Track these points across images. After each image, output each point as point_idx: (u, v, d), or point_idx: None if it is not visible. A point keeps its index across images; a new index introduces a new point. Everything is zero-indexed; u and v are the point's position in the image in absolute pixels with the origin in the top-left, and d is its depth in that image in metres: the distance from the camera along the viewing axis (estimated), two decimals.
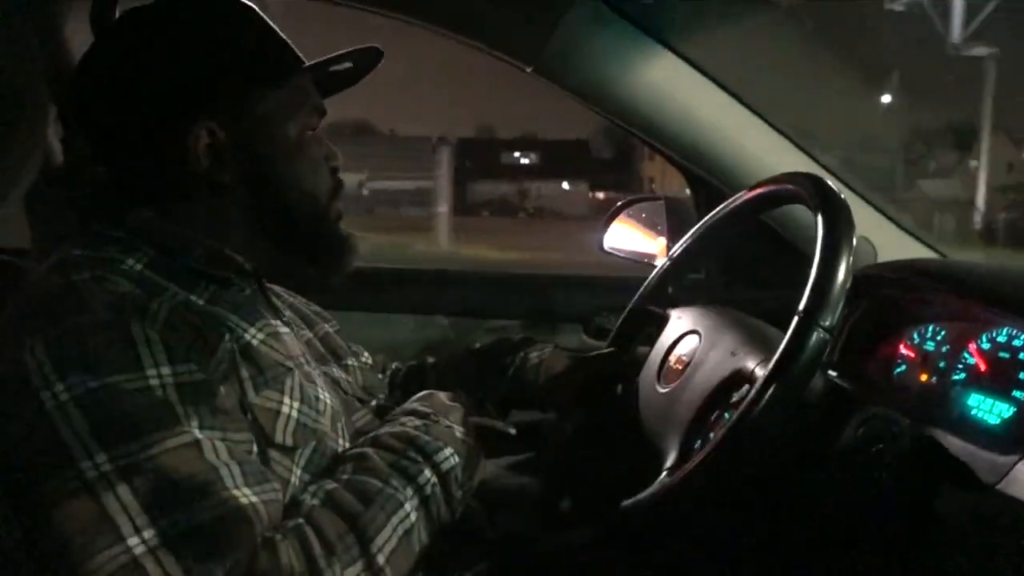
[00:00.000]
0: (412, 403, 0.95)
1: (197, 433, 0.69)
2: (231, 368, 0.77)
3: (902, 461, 0.86)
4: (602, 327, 1.64)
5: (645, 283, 1.28)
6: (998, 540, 0.82)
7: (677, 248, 1.25)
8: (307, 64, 0.92)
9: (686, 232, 1.24)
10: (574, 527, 1.34)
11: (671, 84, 1.36)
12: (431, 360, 1.28)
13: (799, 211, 1.03)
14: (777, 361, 0.80)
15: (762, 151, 1.40)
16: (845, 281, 0.82)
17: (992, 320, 1.03)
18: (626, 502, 0.92)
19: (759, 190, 1.08)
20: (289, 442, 0.80)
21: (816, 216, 0.89)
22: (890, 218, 1.45)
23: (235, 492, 0.68)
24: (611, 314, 1.64)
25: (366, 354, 1.16)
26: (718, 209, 1.16)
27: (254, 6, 0.90)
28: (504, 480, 1.51)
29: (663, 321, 1.20)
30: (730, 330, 1.05)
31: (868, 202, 1.43)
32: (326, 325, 1.08)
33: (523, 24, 1.32)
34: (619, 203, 1.71)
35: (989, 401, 1.00)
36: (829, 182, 0.93)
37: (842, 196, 0.90)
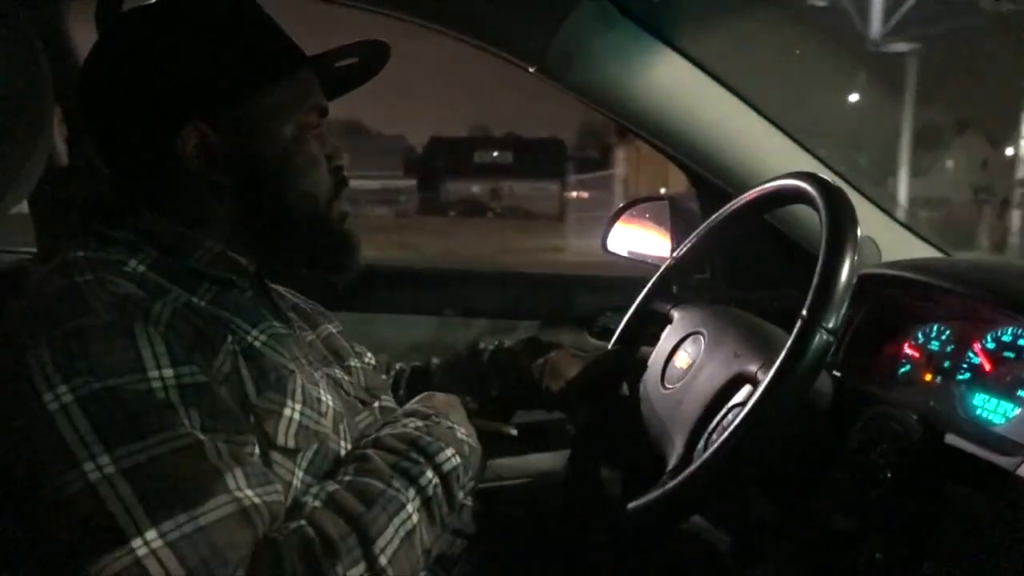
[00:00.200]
0: (414, 404, 0.95)
1: (199, 434, 0.69)
2: (233, 370, 0.77)
3: (908, 460, 0.86)
4: (606, 327, 1.64)
5: (649, 283, 1.28)
6: (1003, 540, 0.82)
7: (681, 248, 1.25)
8: (308, 59, 0.90)
9: (690, 232, 1.24)
10: (580, 527, 1.34)
11: (676, 84, 1.35)
12: (435, 360, 1.28)
13: (804, 211, 1.02)
14: (780, 364, 0.80)
15: (766, 151, 1.40)
16: (849, 283, 0.81)
17: (997, 320, 1.03)
18: (631, 504, 0.92)
19: (763, 190, 1.08)
20: (291, 444, 0.80)
21: (821, 216, 0.89)
22: (895, 218, 1.44)
23: (237, 493, 0.68)
24: (615, 314, 1.64)
25: (369, 355, 1.16)
26: (723, 209, 1.16)
27: (254, 2, 0.88)
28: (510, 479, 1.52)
29: (667, 321, 1.20)
30: (734, 331, 1.04)
31: (872, 201, 1.43)
32: (329, 326, 1.08)
33: (527, 24, 1.32)
34: (623, 203, 1.71)
35: (994, 401, 1.00)
36: (834, 182, 0.93)
37: (847, 196, 0.89)
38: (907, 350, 1.17)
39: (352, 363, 1.05)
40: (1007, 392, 0.99)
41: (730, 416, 0.90)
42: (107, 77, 0.83)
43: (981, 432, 0.97)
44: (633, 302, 1.29)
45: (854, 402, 0.91)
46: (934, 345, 1.13)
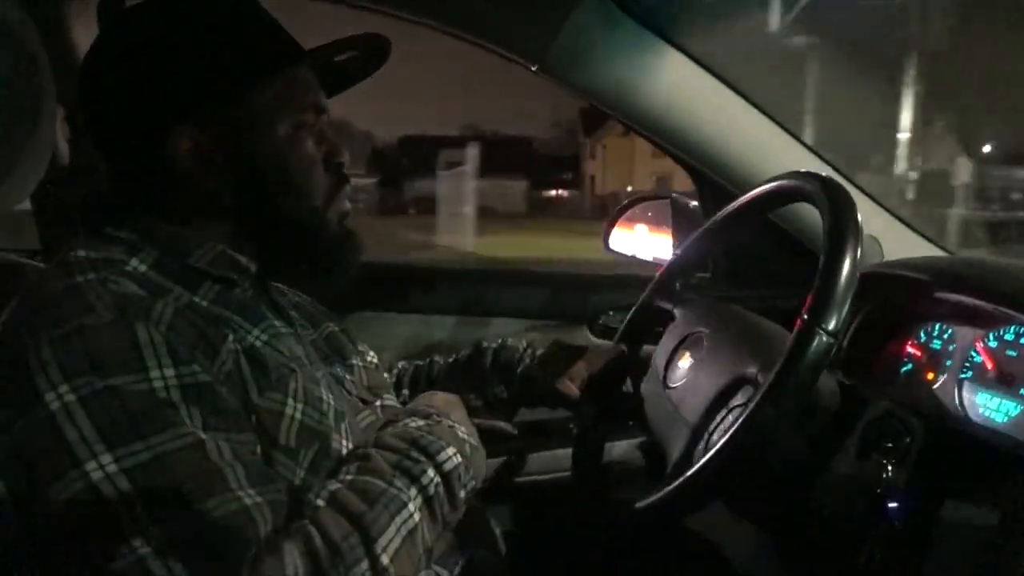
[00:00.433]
0: (415, 403, 0.95)
1: (201, 434, 0.69)
2: (235, 369, 0.77)
3: (910, 459, 0.86)
4: (608, 326, 1.64)
5: (651, 282, 1.28)
6: (1005, 539, 0.82)
7: (683, 246, 1.25)
8: (304, 54, 0.89)
9: (692, 231, 1.24)
10: (582, 526, 1.34)
11: (678, 82, 1.35)
12: (438, 359, 1.28)
13: (806, 209, 1.02)
14: (781, 367, 0.80)
15: (769, 149, 1.40)
16: (850, 285, 0.81)
17: (999, 318, 1.03)
18: (634, 503, 0.92)
19: (766, 188, 1.08)
20: (292, 443, 0.80)
21: (823, 215, 0.88)
22: (897, 216, 1.44)
23: (239, 492, 0.69)
24: (617, 313, 1.64)
25: (371, 353, 1.16)
26: (726, 208, 1.16)
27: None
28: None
29: (669, 320, 1.20)
30: (736, 330, 1.04)
31: (875, 200, 1.43)
32: (331, 324, 1.08)
33: (528, 23, 1.32)
34: (625, 202, 1.71)
35: (996, 399, 1.00)
36: (836, 181, 0.93)
37: (849, 195, 0.89)
38: (909, 349, 1.17)
39: (354, 361, 1.05)
40: (1010, 391, 0.99)
41: (731, 417, 0.90)
42: (103, 76, 0.83)
43: (984, 431, 0.97)
44: (635, 301, 1.29)
45: (856, 401, 0.91)
46: (936, 344, 1.13)
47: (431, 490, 0.81)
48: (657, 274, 1.28)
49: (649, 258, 1.64)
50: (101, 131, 0.85)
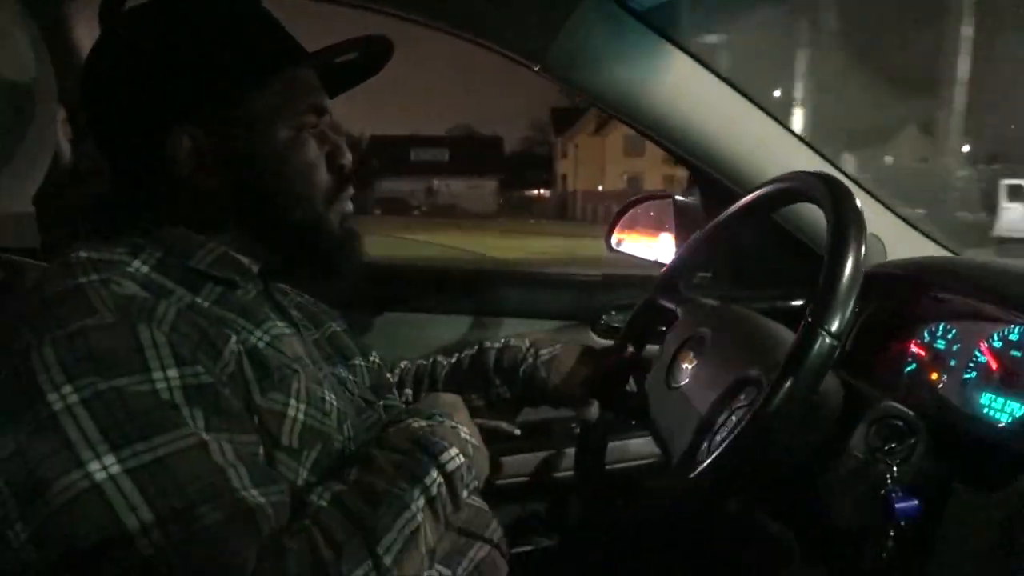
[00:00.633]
0: (417, 404, 0.95)
1: (204, 435, 0.69)
2: (237, 370, 0.77)
3: (914, 460, 0.86)
4: (610, 325, 1.64)
5: (655, 282, 1.27)
6: (1009, 540, 0.82)
7: (686, 247, 1.25)
8: (306, 56, 0.89)
9: (694, 230, 1.24)
10: (585, 526, 1.34)
11: (680, 81, 1.35)
12: (440, 359, 1.28)
13: (810, 209, 1.02)
14: (784, 369, 0.79)
15: (771, 149, 1.40)
16: (853, 286, 0.80)
17: (1003, 318, 1.03)
18: (637, 504, 0.92)
19: (769, 188, 1.07)
20: (295, 444, 0.80)
21: (826, 215, 0.88)
22: (900, 216, 1.44)
23: (242, 493, 0.68)
24: (619, 312, 1.64)
25: (374, 353, 1.16)
26: (729, 208, 1.16)
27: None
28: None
29: (672, 320, 1.20)
30: (739, 331, 1.04)
31: (878, 200, 1.42)
32: (334, 324, 1.08)
33: (530, 22, 1.32)
34: (627, 201, 1.70)
35: (1001, 400, 1.00)
36: (840, 180, 0.92)
37: (853, 194, 0.89)
38: (913, 349, 1.17)
39: (357, 362, 1.05)
40: (1014, 391, 0.99)
41: (735, 418, 0.90)
42: (105, 76, 0.83)
43: (988, 431, 0.97)
44: (638, 300, 1.28)
45: (859, 401, 0.90)
46: (940, 344, 1.13)
47: (434, 491, 0.81)
48: (660, 273, 1.28)
49: (651, 258, 1.64)
50: (103, 131, 0.85)
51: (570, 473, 1.49)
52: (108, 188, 0.87)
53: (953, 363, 1.09)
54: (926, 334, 1.15)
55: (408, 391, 1.24)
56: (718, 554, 1.30)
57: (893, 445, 0.86)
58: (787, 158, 1.38)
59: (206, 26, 0.83)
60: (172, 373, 0.70)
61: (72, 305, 0.72)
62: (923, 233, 1.44)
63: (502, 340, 1.26)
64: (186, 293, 0.80)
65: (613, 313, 1.64)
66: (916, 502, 0.83)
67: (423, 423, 0.89)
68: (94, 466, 0.64)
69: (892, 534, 0.84)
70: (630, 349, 1.23)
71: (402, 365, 1.28)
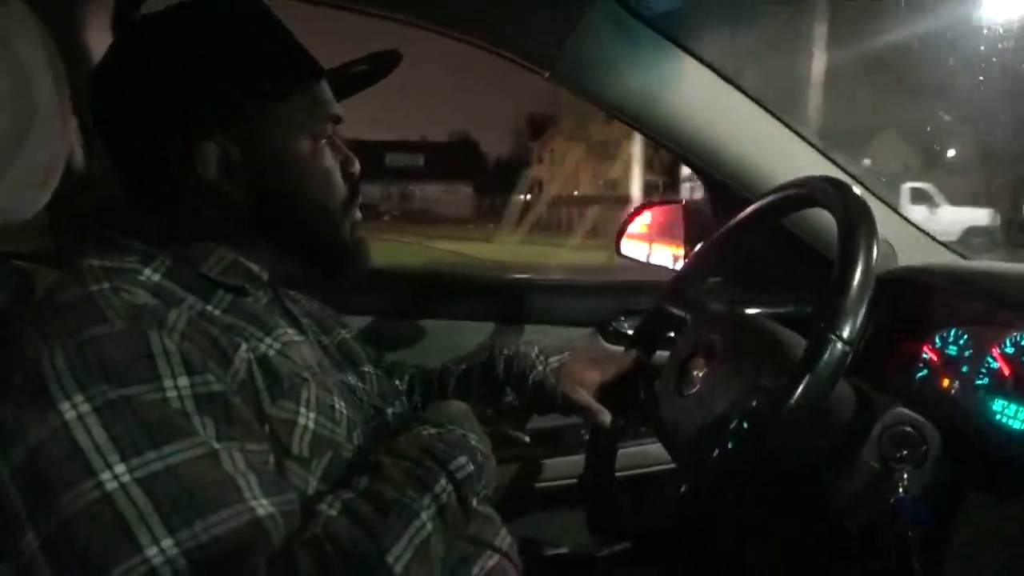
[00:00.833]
0: (427, 412, 0.95)
1: (214, 443, 0.69)
2: (248, 378, 0.77)
3: (926, 466, 0.86)
4: (620, 332, 1.64)
5: (664, 288, 1.27)
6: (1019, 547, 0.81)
7: (695, 252, 1.24)
8: (325, 72, 0.90)
9: (703, 236, 1.24)
10: (595, 532, 1.34)
11: (690, 88, 1.35)
12: (449, 366, 1.28)
13: (820, 215, 1.01)
14: (795, 375, 0.79)
15: (782, 154, 1.39)
16: (865, 292, 0.80)
17: (1015, 324, 1.02)
18: (646, 510, 0.92)
19: (780, 194, 1.07)
20: (305, 452, 0.80)
21: (837, 220, 0.88)
22: (911, 221, 1.43)
23: (252, 502, 0.68)
24: (628, 318, 1.63)
25: (383, 360, 1.16)
26: (740, 213, 1.16)
27: (272, 12, 0.88)
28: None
29: (682, 326, 1.20)
30: (750, 337, 1.04)
31: (890, 205, 1.42)
32: (343, 331, 1.08)
33: (540, 29, 1.32)
34: (636, 207, 1.70)
35: (1013, 406, 0.99)
36: (851, 185, 0.92)
37: (864, 200, 0.89)
38: (924, 355, 1.16)
39: (366, 369, 1.05)
40: None
41: (745, 424, 0.90)
42: (123, 86, 0.83)
43: (1000, 438, 0.96)
44: (647, 306, 1.28)
45: (871, 408, 0.90)
46: (952, 350, 1.12)
47: (444, 499, 0.81)
48: (669, 279, 1.28)
49: (661, 264, 1.64)
50: (117, 139, 0.85)
51: (580, 479, 1.49)
52: (119, 196, 0.88)
53: (965, 369, 1.08)
54: (937, 340, 1.15)
55: (417, 398, 1.24)
56: (726, 559, 1.29)
57: (904, 452, 0.86)
58: (798, 163, 1.38)
59: (237, 40, 0.84)
60: (183, 382, 0.70)
61: (83, 313, 0.72)
62: (934, 238, 1.44)
63: (511, 347, 1.26)
64: (197, 301, 0.81)
65: (622, 319, 1.64)
66: (928, 509, 0.83)
67: (432, 431, 0.88)
68: (105, 475, 0.64)
69: (904, 542, 0.84)
70: (638, 356, 1.23)
71: (411, 372, 1.28)
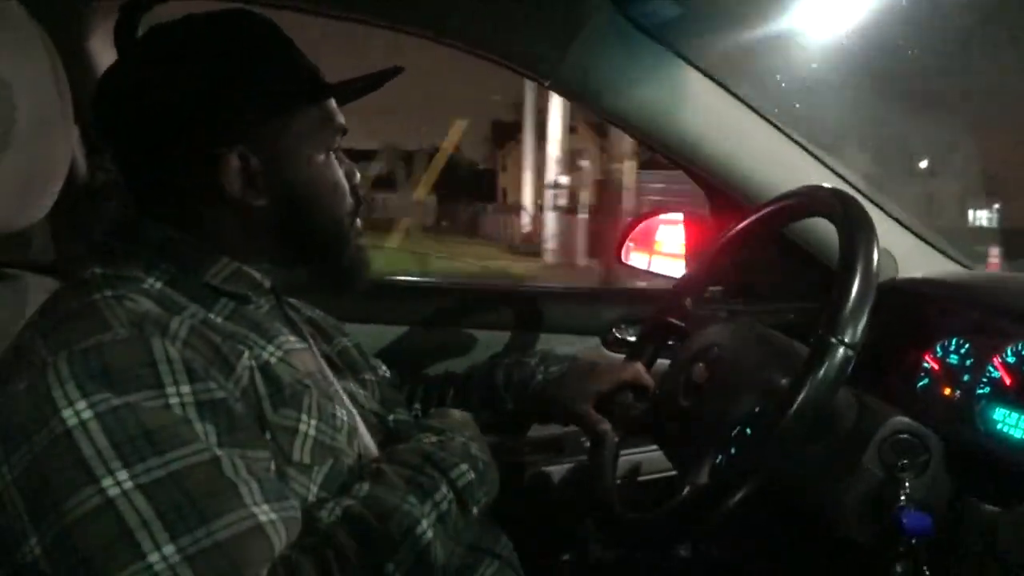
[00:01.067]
0: (427, 420, 0.95)
1: (217, 450, 0.70)
2: (250, 386, 0.78)
3: (927, 476, 0.85)
4: (621, 340, 1.64)
5: (666, 295, 1.27)
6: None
7: (696, 262, 1.25)
8: (334, 85, 0.91)
9: (705, 245, 1.24)
10: (597, 540, 1.34)
11: (691, 97, 1.35)
12: (450, 374, 1.28)
13: (821, 224, 1.02)
14: (800, 378, 0.79)
15: (782, 164, 1.40)
16: (867, 296, 0.80)
17: (1017, 333, 1.02)
18: (649, 517, 0.92)
19: (780, 203, 1.07)
20: (306, 460, 0.80)
21: (838, 229, 0.88)
22: (912, 230, 1.44)
23: (254, 509, 0.69)
24: (630, 326, 1.63)
25: (384, 368, 1.16)
26: (739, 222, 1.16)
27: (280, 28, 0.88)
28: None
29: (684, 333, 1.20)
30: (752, 343, 1.04)
31: (889, 214, 1.42)
32: (344, 339, 1.08)
33: (540, 39, 1.33)
34: (638, 215, 1.70)
35: (1015, 415, 0.99)
36: (851, 195, 0.92)
37: (864, 209, 0.89)
38: (925, 364, 1.16)
39: (367, 376, 1.05)
40: None
41: (748, 430, 0.90)
42: (137, 95, 0.83)
43: (1002, 447, 0.96)
44: (648, 315, 1.28)
45: (872, 417, 0.90)
46: (953, 359, 1.12)
47: (444, 506, 0.81)
48: (670, 287, 1.28)
49: (661, 272, 1.64)
50: (128, 149, 0.85)
51: (581, 487, 1.49)
52: (124, 204, 0.88)
53: (966, 378, 1.08)
54: (939, 349, 1.15)
55: (418, 406, 1.24)
56: (728, 566, 1.29)
57: (906, 461, 0.86)
58: (798, 172, 1.38)
59: (254, 51, 0.85)
60: (185, 389, 0.70)
61: (86, 321, 0.72)
62: (935, 248, 1.44)
63: (512, 356, 1.26)
64: (199, 309, 0.81)
65: (624, 327, 1.64)
66: (929, 518, 0.83)
67: (433, 439, 0.89)
68: (107, 482, 0.64)
69: (905, 551, 0.84)
70: (639, 365, 1.23)
71: (411, 380, 1.28)
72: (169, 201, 0.85)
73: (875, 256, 0.83)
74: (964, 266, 1.44)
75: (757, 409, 0.91)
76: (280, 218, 0.87)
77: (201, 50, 0.83)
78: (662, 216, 1.68)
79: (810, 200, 1.01)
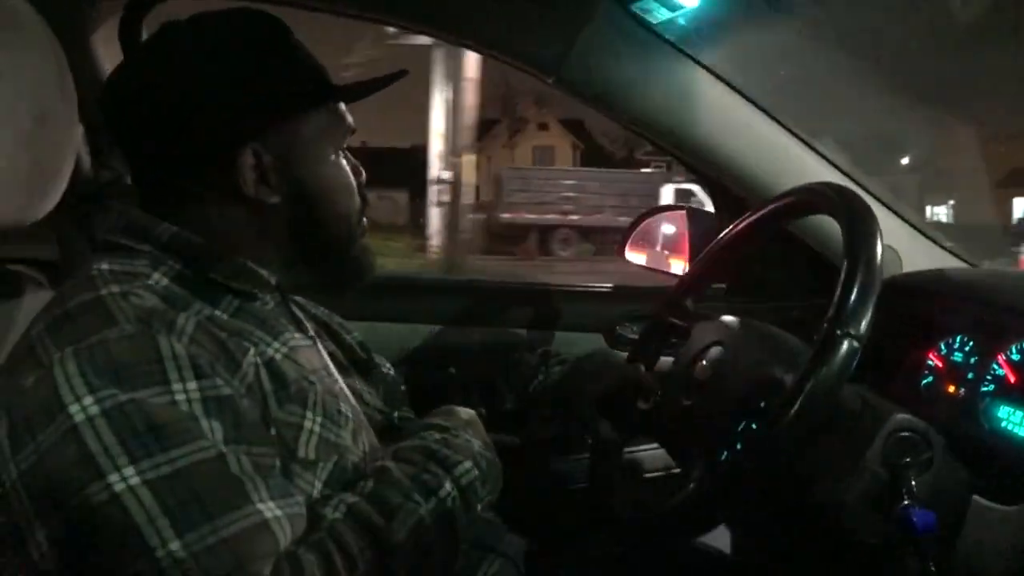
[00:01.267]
0: (431, 417, 0.96)
1: (222, 447, 0.70)
2: (255, 382, 0.78)
3: (931, 474, 0.85)
4: (624, 338, 1.63)
5: (667, 293, 1.27)
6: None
7: (699, 260, 1.24)
8: (347, 86, 0.91)
9: (708, 242, 1.24)
10: (600, 536, 1.34)
11: (694, 94, 1.35)
12: (453, 372, 1.29)
13: (825, 220, 1.02)
14: (807, 370, 0.79)
15: (786, 161, 1.39)
16: (872, 289, 0.81)
17: (1021, 331, 1.02)
18: (653, 514, 0.92)
19: (784, 200, 1.07)
20: (311, 456, 0.80)
21: (842, 226, 0.88)
22: (916, 227, 1.43)
23: (260, 506, 0.69)
24: (632, 324, 1.63)
25: (388, 365, 1.17)
26: (742, 219, 1.16)
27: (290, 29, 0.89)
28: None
29: (686, 332, 1.19)
30: (755, 340, 1.04)
31: (893, 211, 1.42)
32: (348, 336, 1.08)
33: (544, 36, 1.32)
34: (640, 213, 1.70)
35: (1019, 413, 0.99)
36: (855, 191, 0.92)
37: (868, 206, 0.89)
38: (930, 361, 1.16)
39: (371, 373, 1.06)
40: None
41: (753, 425, 0.90)
42: (148, 93, 0.83)
43: (1006, 445, 0.96)
44: (651, 312, 1.28)
45: (876, 414, 0.90)
46: (957, 356, 1.12)
47: (448, 503, 0.81)
48: (674, 285, 1.28)
49: (664, 270, 1.64)
50: (137, 146, 0.86)
51: (584, 485, 1.49)
52: (130, 200, 0.88)
53: (970, 376, 1.08)
54: (943, 346, 1.15)
55: (421, 404, 1.24)
56: (732, 563, 1.29)
57: (909, 459, 0.85)
58: (802, 169, 1.38)
59: (266, 49, 0.85)
60: (191, 385, 0.71)
61: (93, 317, 0.72)
62: (939, 244, 1.44)
63: (514, 354, 1.26)
64: (205, 305, 0.81)
65: (627, 325, 1.64)
66: (933, 515, 0.82)
67: (437, 436, 0.89)
68: (114, 477, 0.65)
69: (909, 548, 0.84)
70: (641, 363, 1.23)
71: (415, 378, 1.28)
72: (177, 199, 0.86)
73: (879, 250, 0.83)
74: (968, 262, 1.44)
75: (763, 404, 0.91)
76: (292, 216, 0.88)
77: (213, 50, 0.84)
78: (666, 214, 1.68)
79: (812, 197, 1.01)
